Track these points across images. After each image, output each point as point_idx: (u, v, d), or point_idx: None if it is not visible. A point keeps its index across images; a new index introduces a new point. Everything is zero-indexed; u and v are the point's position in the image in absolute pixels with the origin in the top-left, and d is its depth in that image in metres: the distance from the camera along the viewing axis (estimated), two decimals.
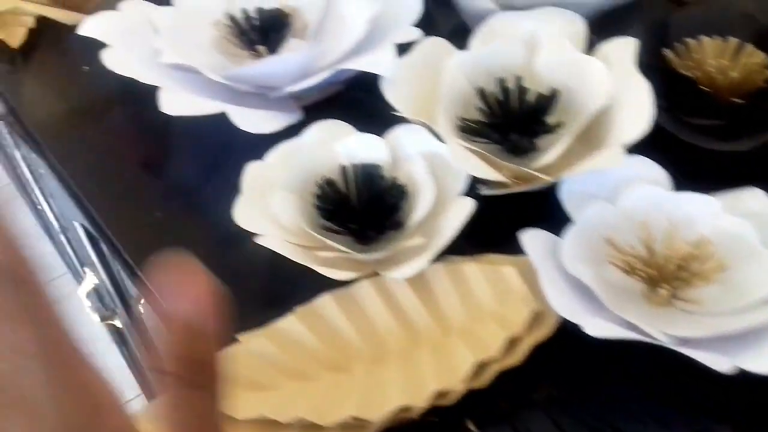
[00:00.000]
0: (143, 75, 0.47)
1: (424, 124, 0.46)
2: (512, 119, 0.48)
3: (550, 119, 0.47)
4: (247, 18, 0.55)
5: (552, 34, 0.51)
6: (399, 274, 0.38)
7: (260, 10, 0.55)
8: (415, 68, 0.50)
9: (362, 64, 0.48)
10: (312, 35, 0.55)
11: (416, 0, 0.55)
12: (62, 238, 0.88)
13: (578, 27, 0.51)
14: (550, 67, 0.50)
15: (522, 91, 0.49)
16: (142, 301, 0.82)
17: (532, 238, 0.39)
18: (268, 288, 0.43)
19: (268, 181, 0.44)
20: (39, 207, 0.87)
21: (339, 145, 0.45)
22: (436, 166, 0.44)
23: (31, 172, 0.80)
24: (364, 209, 0.43)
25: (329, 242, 0.40)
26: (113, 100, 0.60)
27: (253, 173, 0.44)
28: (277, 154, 0.46)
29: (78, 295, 0.85)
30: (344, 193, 0.44)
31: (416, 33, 0.51)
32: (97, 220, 0.52)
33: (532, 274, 0.39)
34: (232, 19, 0.55)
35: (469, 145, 0.44)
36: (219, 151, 0.53)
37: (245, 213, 0.42)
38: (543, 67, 0.50)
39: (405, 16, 0.55)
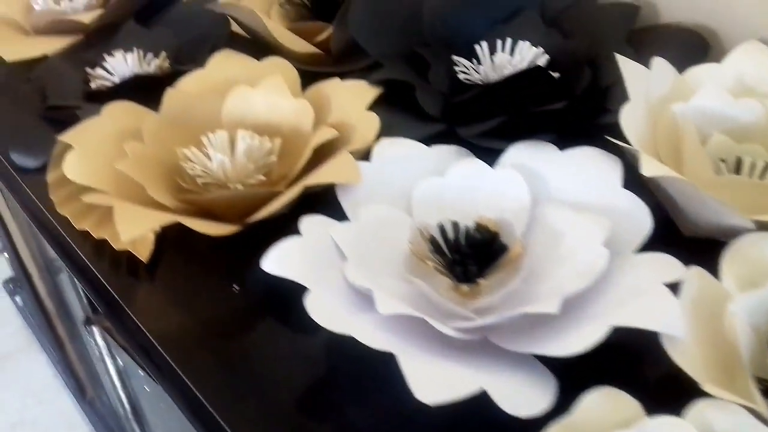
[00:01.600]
0: (366, 335, 0.37)
1: (737, 403, 0.36)
2: None
3: None
4: (449, 242, 0.45)
5: None
6: None
7: (462, 229, 0.46)
8: (688, 317, 0.40)
9: (639, 319, 0.38)
10: (526, 260, 0.45)
11: (646, 214, 0.46)
12: None
13: None
14: None
15: None
16: None
17: None
18: None
19: None
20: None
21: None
22: None
23: (122, 380, 0.68)
24: None
25: None
26: (264, 324, 0.50)
27: None
28: None
29: None
30: None
31: (680, 269, 0.41)
32: None
33: None
34: (433, 242, 0.45)
35: None
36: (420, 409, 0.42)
37: None
38: None
39: (632, 234, 0.46)
